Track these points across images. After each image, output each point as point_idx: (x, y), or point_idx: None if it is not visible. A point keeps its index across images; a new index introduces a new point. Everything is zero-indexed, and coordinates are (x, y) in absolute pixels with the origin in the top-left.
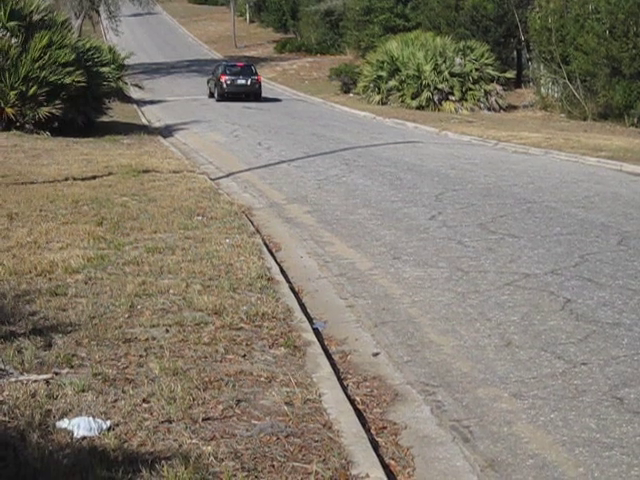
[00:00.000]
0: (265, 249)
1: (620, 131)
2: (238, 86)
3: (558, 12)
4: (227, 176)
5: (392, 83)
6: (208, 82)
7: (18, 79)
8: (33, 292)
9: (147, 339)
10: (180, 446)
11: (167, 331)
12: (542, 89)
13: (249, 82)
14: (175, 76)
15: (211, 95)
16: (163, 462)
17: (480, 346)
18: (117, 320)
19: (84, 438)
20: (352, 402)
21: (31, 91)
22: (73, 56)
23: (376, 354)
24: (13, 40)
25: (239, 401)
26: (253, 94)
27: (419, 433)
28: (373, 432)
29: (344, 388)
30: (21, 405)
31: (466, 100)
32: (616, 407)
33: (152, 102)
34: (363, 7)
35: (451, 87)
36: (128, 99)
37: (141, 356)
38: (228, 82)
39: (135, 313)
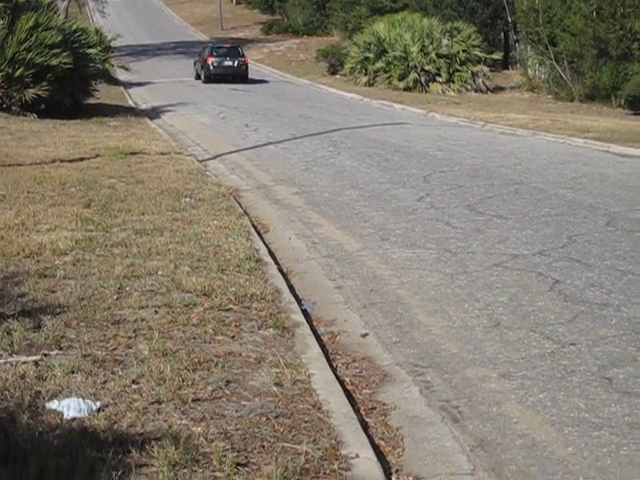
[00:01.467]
0: (253, 230)
1: (607, 112)
2: (225, 68)
3: None
4: (214, 158)
5: (379, 64)
6: (195, 64)
7: (4, 61)
8: (21, 274)
9: (136, 320)
10: (170, 427)
11: (156, 312)
12: (529, 70)
13: (236, 64)
14: (161, 58)
15: (198, 77)
16: (153, 443)
17: (469, 327)
18: (106, 302)
19: (74, 419)
20: (341, 383)
21: (17, 73)
22: (59, 38)
23: (365, 335)
24: None
25: (228, 382)
26: (240, 76)
27: (408, 413)
28: (362, 413)
29: (333, 369)
30: (10, 387)
31: (453, 82)
32: (605, 387)
33: (139, 84)
34: None
35: (438, 68)
36: (115, 81)
37: (130, 337)
38: (215, 64)
39: (124, 295)
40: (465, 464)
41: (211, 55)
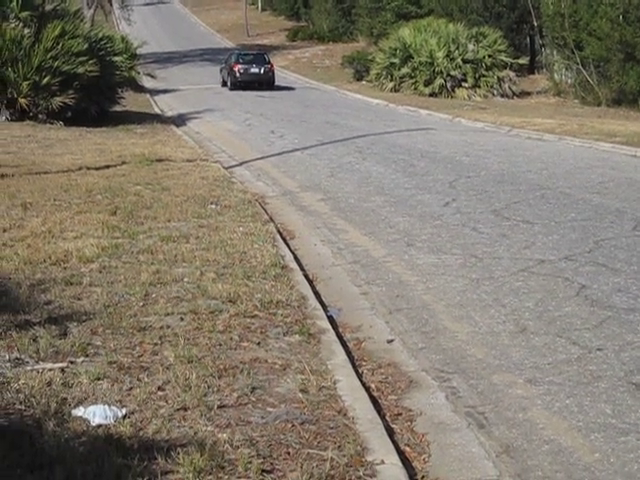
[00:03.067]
0: (279, 237)
1: (634, 116)
2: (251, 74)
3: None
4: (240, 164)
5: (405, 70)
6: (221, 71)
7: (31, 69)
8: (48, 281)
9: (162, 327)
10: (195, 433)
11: (182, 319)
12: (555, 75)
13: (262, 70)
14: (188, 65)
15: (224, 84)
16: (179, 449)
17: (495, 332)
18: (132, 309)
19: (100, 426)
20: (367, 389)
21: (44, 81)
22: (86, 46)
23: (391, 341)
24: (26, 30)
25: (254, 388)
26: (266, 82)
27: (434, 419)
28: (388, 419)
29: (359, 375)
30: (37, 394)
31: (479, 87)
32: (632, 393)
33: (165, 91)
34: None
35: (464, 74)
36: (141, 88)
37: (156, 344)
38: (241, 71)
39: (150, 301)
40: (491, 470)
41: (237, 62)
